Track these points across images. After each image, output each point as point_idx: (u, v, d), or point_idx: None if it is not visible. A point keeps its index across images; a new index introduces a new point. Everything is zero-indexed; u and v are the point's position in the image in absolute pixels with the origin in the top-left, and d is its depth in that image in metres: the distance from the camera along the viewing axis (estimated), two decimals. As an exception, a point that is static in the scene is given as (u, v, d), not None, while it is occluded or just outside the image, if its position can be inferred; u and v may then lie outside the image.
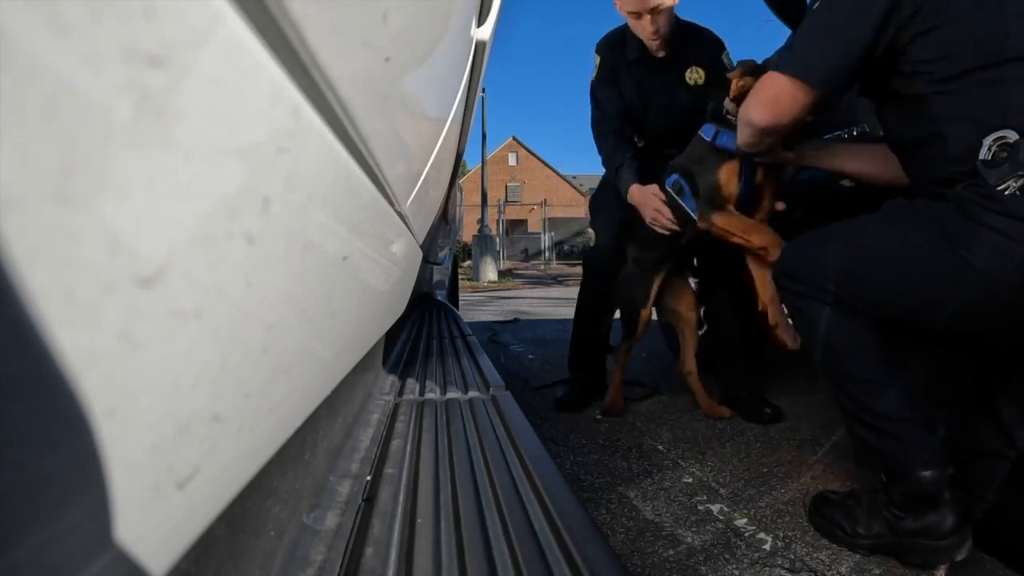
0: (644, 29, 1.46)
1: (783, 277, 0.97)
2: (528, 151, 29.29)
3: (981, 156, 0.75)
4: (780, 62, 0.94)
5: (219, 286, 0.21)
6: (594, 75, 1.66)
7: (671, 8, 1.46)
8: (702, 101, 1.47)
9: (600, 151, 1.64)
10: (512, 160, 28.94)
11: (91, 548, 0.17)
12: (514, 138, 29.24)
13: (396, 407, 0.85)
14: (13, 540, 0.14)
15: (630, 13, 1.46)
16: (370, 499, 0.54)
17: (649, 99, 1.61)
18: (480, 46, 0.79)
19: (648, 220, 1.46)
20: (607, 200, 1.69)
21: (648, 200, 1.45)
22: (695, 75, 1.53)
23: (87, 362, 0.15)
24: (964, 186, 0.76)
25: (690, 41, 1.52)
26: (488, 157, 11.73)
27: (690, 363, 1.60)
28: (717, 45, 1.52)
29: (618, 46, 1.61)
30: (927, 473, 0.80)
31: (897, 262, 0.83)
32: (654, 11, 1.43)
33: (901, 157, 0.92)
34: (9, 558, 0.14)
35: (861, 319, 0.86)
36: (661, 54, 1.53)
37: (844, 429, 1.41)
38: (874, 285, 0.85)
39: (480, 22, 0.75)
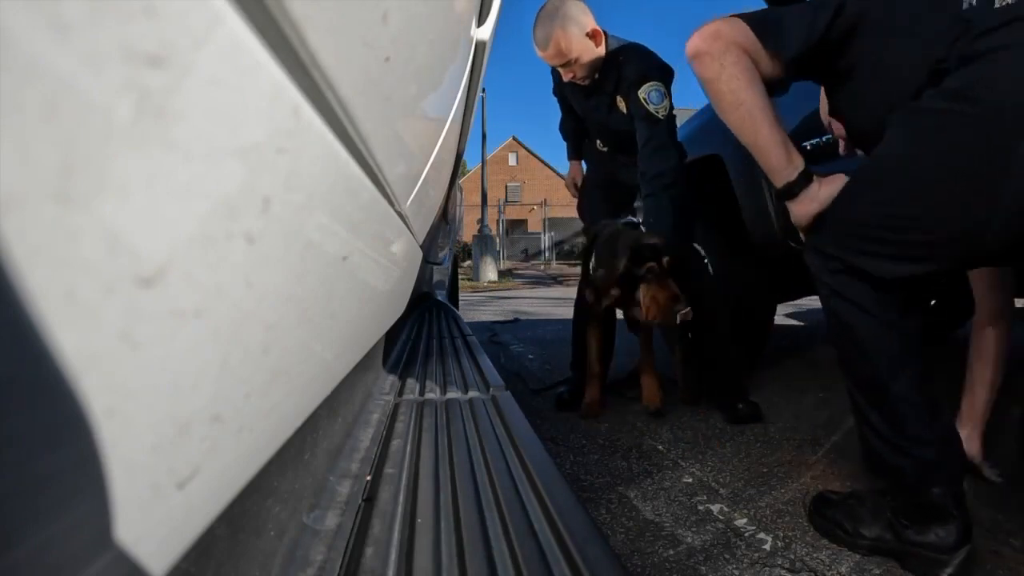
0: (564, 74, 1.60)
1: (812, 254, 0.88)
2: (528, 151, 29.28)
3: (964, 6, 0.72)
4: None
5: (219, 286, 0.21)
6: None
7: (589, 60, 1.54)
8: (630, 127, 1.59)
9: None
10: (512, 160, 28.94)
11: (91, 548, 0.17)
12: (514, 138, 29.23)
13: (396, 407, 0.85)
14: (13, 540, 0.14)
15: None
16: (370, 499, 0.54)
17: (586, 116, 1.76)
18: (480, 46, 0.79)
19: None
20: (597, 202, 1.90)
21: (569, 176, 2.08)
22: (622, 104, 1.59)
23: (87, 362, 0.15)
24: (960, 48, 0.72)
25: (613, 71, 1.57)
26: (488, 157, 11.73)
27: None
28: (636, 79, 1.52)
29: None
30: (937, 490, 0.79)
31: (933, 171, 0.74)
32: (566, 65, 1.53)
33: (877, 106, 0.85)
34: (9, 558, 0.14)
35: (887, 304, 0.80)
36: (587, 82, 1.62)
37: (844, 429, 1.41)
38: (912, 210, 0.75)
39: (480, 22, 0.75)
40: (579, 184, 2.02)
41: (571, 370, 1.76)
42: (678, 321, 1.33)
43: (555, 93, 1.92)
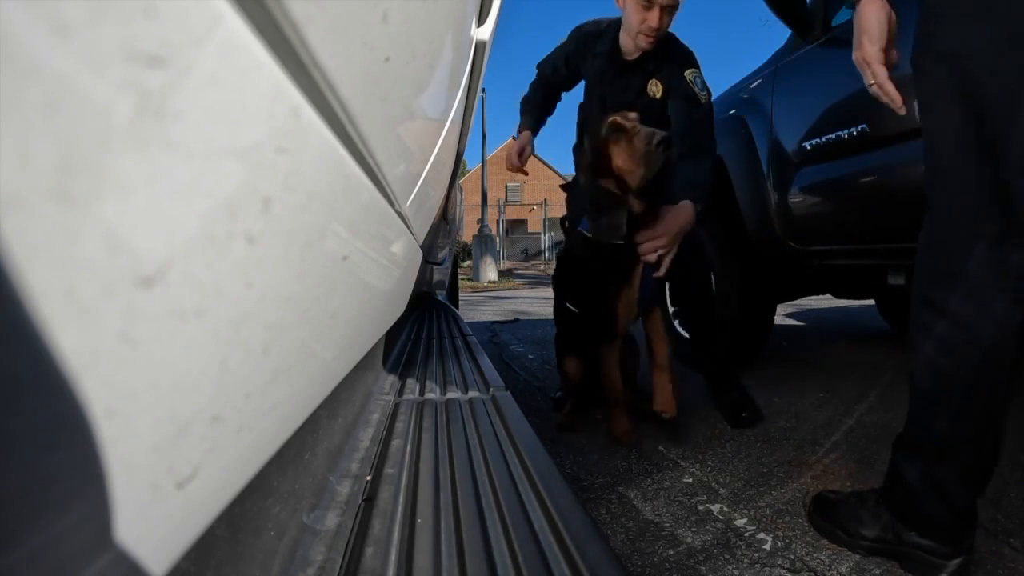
0: (647, 21, 1.40)
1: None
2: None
3: None
4: None
5: (219, 286, 0.21)
6: (557, 48, 1.68)
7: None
8: (657, 114, 1.49)
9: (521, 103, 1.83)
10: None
11: (91, 548, 0.17)
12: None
13: (396, 407, 0.85)
14: (13, 540, 0.14)
15: (642, 3, 1.39)
16: (370, 499, 0.54)
17: (605, 97, 1.60)
18: (480, 46, 0.79)
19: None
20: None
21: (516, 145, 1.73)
22: (655, 88, 1.51)
23: (87, 362, 0.15)
24: None
25: (659, 51, 1.48)
26: (488, 157, 11.74)
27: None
28: (683, 62, 1.47)
29: (592, 37, 1.58)
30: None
31: None
32: (665, 8, 1.39)
33: None
34: (9, 558, 0.14)
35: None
36: (631, 57, 1.50)
37: (844, 429, 1.41)
38: None
39: (480, 22, 0.75)
40: (525, 154, 1.76)
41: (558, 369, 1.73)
42: (657, 150, 1.17)
43: (549, 64, 1.71)
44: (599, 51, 1.56)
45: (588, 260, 1.36)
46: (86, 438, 0.16)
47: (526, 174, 1.77)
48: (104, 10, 0.13)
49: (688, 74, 1.46)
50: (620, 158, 1.25)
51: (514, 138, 1.90)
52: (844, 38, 1.58)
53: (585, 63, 1.62)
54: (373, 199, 0.41)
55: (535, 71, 1.80)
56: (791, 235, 1.76)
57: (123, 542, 0.18)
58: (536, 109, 1.79)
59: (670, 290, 2.10)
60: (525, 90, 1.86)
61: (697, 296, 1.56)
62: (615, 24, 1.54)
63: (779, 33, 1.88)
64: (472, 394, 0.92)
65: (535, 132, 1.80)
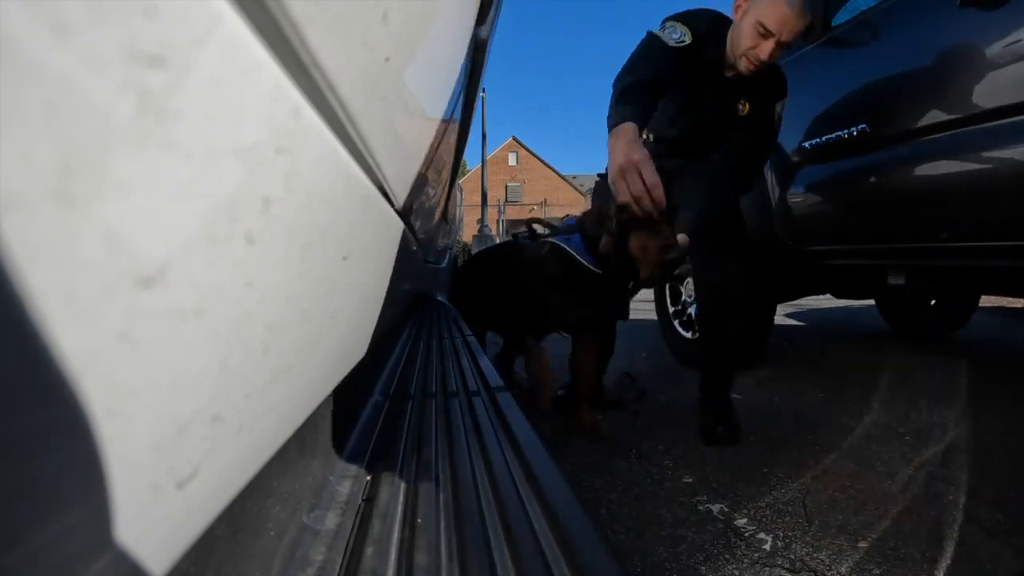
0: (757, 49, 1.29)
1: None
2: (528, 151, 29.32)
3: None
4: None
5: (219, 286, 0.21)
6: (667, 37, 1.35)
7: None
8: (733, 130, 1.44)
9: (615, 83, 1.31)
10: (512, 160, 28.97)
11: (91, 548, 0.17)
12: (514, 138, 29.28)
13: (396, 406, 0.85)
14: (13, 540, 0.14)
15: (760, 30, 1.27)
16: (370, 499, 0.54)
17: (689, 103, 1.48)
18: (480, 46, 0.79)
19: (621, 197, 1.16)
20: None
21: (630, 159, 1.11)
22: (743, 107, 1.45)
23: (87, 362, 0.15)
24: None
25: (760, 75, 1.37)
26: (488, 157, 11.76)
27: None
28: (780, 92, 1.44)
29: (713, 37, 1.39)
30: None
31: None
32: (781, 44, 1.28)
33: None
34: (9, 558, 0.14)
35: None
36: (729, 73, 1.41)
37: (844, 429, 1.41)
38: None
39: (480, 22, 0.75)
40: (649, 169, 1.14)
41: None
42: (667, 268, 1.17)
43: (666, 57, 1.32)
44: (705, 55, 1.39)
45: (556, 277, 1.34)
46: (86, 438, 0.16)
47: (662, 212, 1.17)
48: (104, 10, 0.13)
49: (779, 106, 1.43)
50: (634, 244, 1.23)
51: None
52: (844, 38, 1.58)
53: (692, 61, 1.40)
54: (373, 199, 0.41)
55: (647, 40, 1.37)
56: (791, 235, 1.76)
57: (123, 542, 0.18)
58: (646, 97, 1.28)
59: (695, 286, 2.03)
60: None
61: (725, 297, 1.49)
62: (725, 28, 1.39)
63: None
64: (472, 394, 0.92)
65: (642, 126, 1.24)
